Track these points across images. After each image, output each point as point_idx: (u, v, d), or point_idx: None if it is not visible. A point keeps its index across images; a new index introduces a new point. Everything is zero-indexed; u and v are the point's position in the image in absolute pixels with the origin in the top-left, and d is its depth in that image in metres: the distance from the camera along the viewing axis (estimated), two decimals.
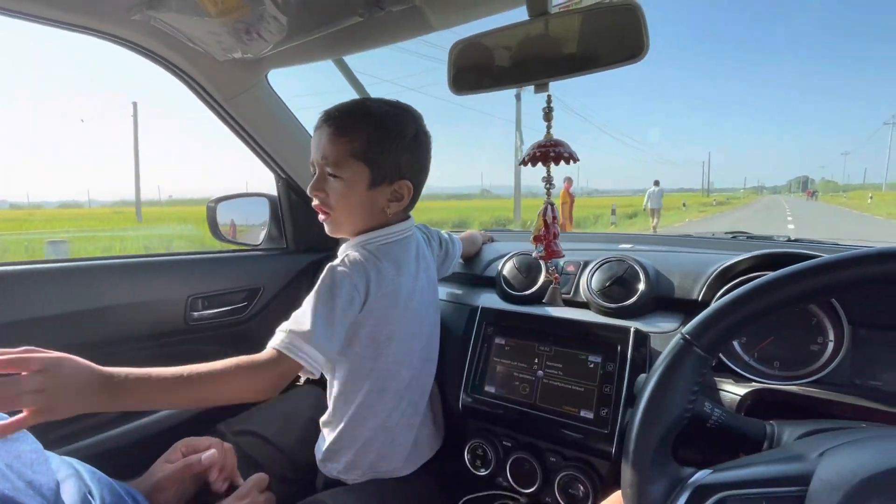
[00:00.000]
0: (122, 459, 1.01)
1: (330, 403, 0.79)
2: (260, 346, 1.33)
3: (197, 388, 0.63)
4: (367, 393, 0.75)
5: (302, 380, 0.70)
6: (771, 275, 0.38)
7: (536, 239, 0.82)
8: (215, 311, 1.17)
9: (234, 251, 1.29)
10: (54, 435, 0.95)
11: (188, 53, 0.92)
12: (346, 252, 0.73)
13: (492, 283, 1.00)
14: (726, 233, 1.18)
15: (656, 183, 13.11)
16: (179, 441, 0.73)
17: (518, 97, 12.98)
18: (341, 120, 0.70)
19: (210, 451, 0.69)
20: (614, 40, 0.61)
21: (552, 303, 0.86)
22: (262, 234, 1.36)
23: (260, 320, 1.24)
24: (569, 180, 10.97)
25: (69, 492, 0.50)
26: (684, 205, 35.67)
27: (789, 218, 18.16)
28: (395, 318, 0.73)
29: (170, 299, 1.11)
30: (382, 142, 0.69)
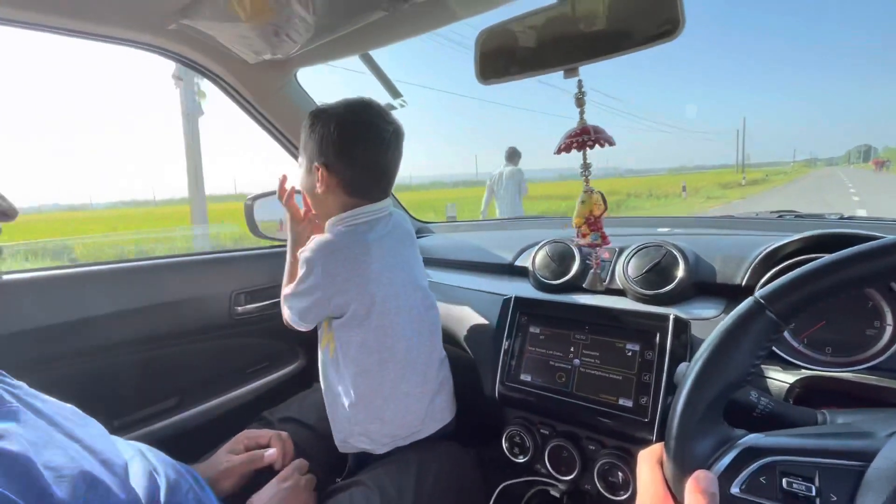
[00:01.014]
0: (179, 444, 1.08)
1: (337, 381, 0.84)
2: (299, 337, 1.38)
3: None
4: (367, 365, 0.81)
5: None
6: (868, 244, 0.35)
7: (592, 225, 0.77)
8: (257, 305, 1.22)
9: (271, 247, 1.33)
10: (118, 423, 1.02)
11: (222, 59, 0.95)
12: (319, 238, 0.80)
13: (524, 272, 1.00)
14: (772, 212, 1.12)
15: (511, 156, 5.09)
16: (241, 433, 0.79)
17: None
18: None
19: (271, 451, 0.76)
20: (648, 18, 0.59)
21: (592, 287, 0.85)
22: None
23: None
24: None
25: (137, 469, 0.54)
26: (684, 189, 22.75)
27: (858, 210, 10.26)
28: (368, 293, 0.78)
29: (215, 295, 1.17)
30: (309, 134, 0.81)
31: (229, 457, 0.76)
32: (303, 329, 0.84)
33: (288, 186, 0.91)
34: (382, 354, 0.80)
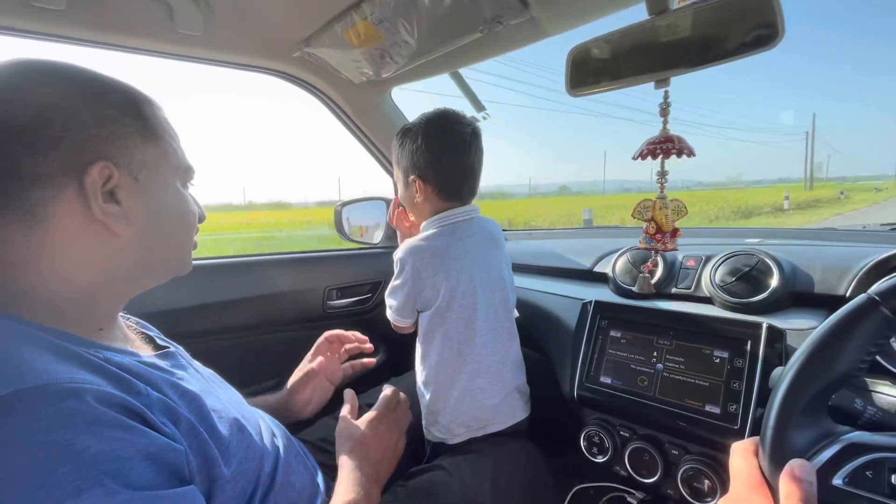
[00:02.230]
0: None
1: (423, 369, 0.91)
2: (381, 333, 1.48)
3: None
4: (448, 355, 0.87)
5: None
6: None
7: (674, 233, 0.79)
8: (346, 300, 1.35)
9: (359, 249, 1.46)
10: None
11: (331, 80, 1.09)
12: (409, 239, 0.89)
13: (602, 278, 1.01)
14: (883, 224, 1.04)
15: None
16: (322, 336, 0.95)
17: None
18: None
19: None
20: (744, 28, 0.60)
21: (644, 291, 0.87)
22: (379, 234, 1.51)
23: (382, 310, 1.39)
24: None
25: (263, 428, 0.64)
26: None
27: None
28: (450, 288, 0.85)
29: (311, 289, 1.31)
30: (400, 151, 0.90)
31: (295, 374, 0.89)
32: (403, 326, 0.93)
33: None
34: (461, 347, 0.86)
